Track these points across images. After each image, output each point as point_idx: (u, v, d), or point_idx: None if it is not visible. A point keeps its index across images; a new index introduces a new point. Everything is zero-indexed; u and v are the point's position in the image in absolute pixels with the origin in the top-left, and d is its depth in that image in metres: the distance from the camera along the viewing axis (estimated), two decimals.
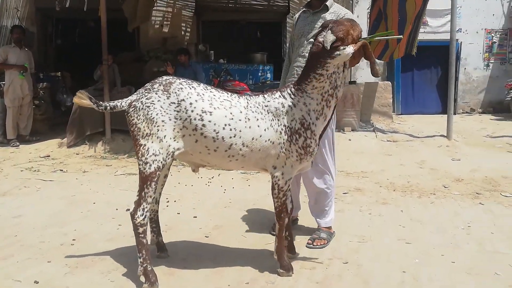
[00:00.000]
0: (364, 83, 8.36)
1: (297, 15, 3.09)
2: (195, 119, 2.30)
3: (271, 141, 2.37)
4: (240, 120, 2.34)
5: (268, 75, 9.12)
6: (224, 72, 8.31)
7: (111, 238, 3.05)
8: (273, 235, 2.95)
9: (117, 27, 7.75)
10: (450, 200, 3.96)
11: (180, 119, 2.31)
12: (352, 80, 8.89)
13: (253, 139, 2.35)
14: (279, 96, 2.41)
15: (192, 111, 2.30)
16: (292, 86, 2.42)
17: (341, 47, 2.25)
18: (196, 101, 2.31)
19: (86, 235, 3.11)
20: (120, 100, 2.44)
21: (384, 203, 3.88)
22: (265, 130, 2.35)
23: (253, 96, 2.48)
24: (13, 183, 4.59)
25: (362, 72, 9.71)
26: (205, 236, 3.11)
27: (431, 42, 9.36)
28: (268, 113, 2.37)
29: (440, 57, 9.25)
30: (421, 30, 9.52)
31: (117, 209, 3.65)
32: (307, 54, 2.81)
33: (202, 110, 2.30)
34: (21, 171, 5.13)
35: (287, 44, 3.10)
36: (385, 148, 6.23)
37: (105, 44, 6.38)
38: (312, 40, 2.81)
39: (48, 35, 9.91)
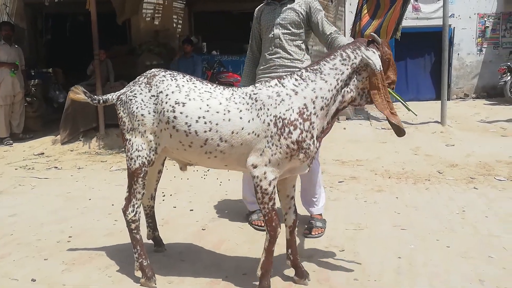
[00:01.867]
0: None
1: (258, 8, 3.05)
2: (167, 111, 2.15)
3: (255, 134, 2.09)
4: (217, 112, 2.11)
5: None
6: (217, 64, 8.27)
7: (107, 234, 3.05)
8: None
9: (107, 20, 7.66)
10: (444, 186, 3.98)
11: (156, 112, 2.19)
12: None
13: (232, 132, 2.10)
14: (275, 84, 2.15)
15: (166, 102, 2.16)
16: (303, 70, 2.20)
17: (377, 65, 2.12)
18: (172, 92, 2.17)
19: (83, 232, 3.10)
20: (112, 94, 2.42)
21: (379, 190, 3.90)
22: (248, 121, 2.10)
23: (244, 88, 2.27)
24: (8, 181, 4.57)
25: None
26: (202, 229, 3.12)
27: (423, 28, 9.35)
28: (256, 101, 2.11)
29: (433, 43, 9.23)
30: (414, 16, 9.58)
31: (113, 205, 3.64)
32: (286, 44, 2.85)
33: (175, 102, 2.15)
34: (16, 169, 5.11)
35: (252, 38, 3.08)
36: (380, 136, 6.25)
37: (96, 39, 6.31)
38: (292, 30, 2.85)
39: (38, 30, 9.79)
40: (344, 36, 10.13)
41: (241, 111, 2.12)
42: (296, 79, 2.16)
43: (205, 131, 2.12)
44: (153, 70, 2.35)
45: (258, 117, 2.09)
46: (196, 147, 2.16)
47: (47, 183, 4.49)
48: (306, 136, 2.09)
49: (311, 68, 2.20)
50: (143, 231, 2.52)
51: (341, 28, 9.66)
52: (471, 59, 10.15)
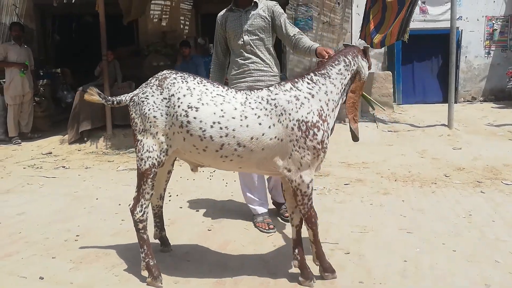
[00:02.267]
0: None
1: (222, 14, 3.10)
2: (180, 115, 2.17)
3: (278, 139, 2.15)
4: (233, 118, 2.14)
5: None
6: None
7: (114, 233, 3.08)
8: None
9: (115, 21, 7.72)
10: (451, 189, 3.96)
11: (169, 114, 2.21)
12: None
13: (252, 138, 2.13)
14: (291, 88, 2.20)
15: (178, 106, 2.18)
16: (312, 74, 2.29)
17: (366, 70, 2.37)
18: (184, 96, 2.19)
19: (90, 231, 3.13)
20: (125, 95, 2.44)
21: (385, 193, 3.90)
22: (269, 127, 2.14)
23: (255, 90, 2.28)
24: (16, 180, 4.62)
25: None
26: (208, 230, 3.13)
27: (431, 31, 9.30)
28: (276, 107, 2.16)
29: (440, 45, 9.18)
30: (421, 18, 9.54)
31: (120, 204, 3.67)
32: (257, 50, 2.97)
33: (188, 106, 2.17)
34: (24, 168, 5.16)
35: (217, 43, 3.15)
36: (386, 138, 6.23)
37: (104, 40, 6.37)
38: (260, 35, 2.97)
39: (47, 31, 9.89)
40: (351, 38, 10.12)
41: (259, 116, 2.16)
42: (308, 83, 2.25)
43: (221, 136, 2.15)
44: (164, 72, 2.36)
45: (280, 122, 2.15)
46: (211, 151, 2.19)
47: (55, 182, 4.54)
48: (327, 136, 2.23)
49: (319, 72, 2.30)
50: (150, 230, 2.54)
51: (348, 30, 9.66)
52: (479, 62, 10.08)
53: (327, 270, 2.36)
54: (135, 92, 2.40)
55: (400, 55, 9.45)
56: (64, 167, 5.16)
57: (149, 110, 2.25)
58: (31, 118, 6.81)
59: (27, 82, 6.61)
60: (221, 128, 2.14)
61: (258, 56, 3.01)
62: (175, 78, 2.27)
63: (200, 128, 2.16)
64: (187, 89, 2.22)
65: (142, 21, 9.22)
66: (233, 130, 2.14)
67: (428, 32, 9.27)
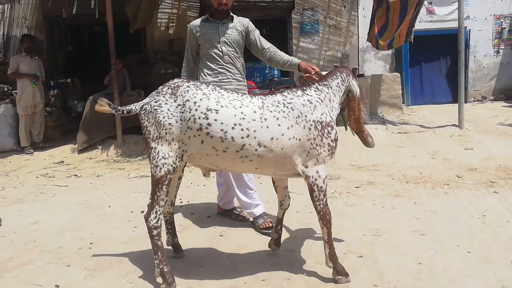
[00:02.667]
0: (372, 75, 8.30)
1: (196, 24, 3.17)
2: (199, 118, 2.23)
3: (296, 139, 2.30)
4: (254, 120, 2.26)
5: (275, 72, 9.11)
6: None
7: (127, 241, 3.10)
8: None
9: (122, 29, 7.81)
10: (464, 190, 3.93)
11: (184, 120, 2.26)
12: (360, 73, 8.82)
13: (272, 138, 2.26)
14: (302, 94, 2.41)
15: (196, 109, 2.24)
16: (316, 84, 2.52)
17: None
18: (200, 99, 2.26)
19: (103, 238, 3.16)
20: (135, 104, 2.46)
21: (397, 195, 3.87)
22: (288, 128, 2.29)
23: (270, 96, 2.44)
24: (29, 189, 4.68)
25: (370, 65, 9.65)
26: (220, 235, 3.14)
27: (438, 31, 9.24)
28: (293, 110, 2.33)
29: (448, 45, 9.12)
30: (429, 19, 9.49)
31: (132, 212, 3.70)
32: (234, 61, 3.13)
33: (207, 108, 2.24)
34: (36, 177, 5.23)
35: (188, 51, 3.25)
36: (396, 140, 6.19)
37: (113, 50, 6.45)
38: (236, 48, 3.12)
39: (56, 42, 10.05)
40: (358, 40, 10.10)
41: (278, 118, 2.31)
42: (315, 90, 2.47)
43: (242, 137, 2.25)
44: (175, 80, 2.42)
45: (297, 124, 2.32)
46: (231, 152, 2.27)
47: (67, 190, 4.59)
48: (337, 135, 2.43)
49: (322, 83, 2.53)
50: (162, 237, 2.55)
51: (354, 32, 9.66)
52: (488, 61, 9.98)
53: (340, 273, 2.37)
54: (145, 100, 2.42)
55: (408, 56, 9.41)
56: (76, 175, 5.22)
57: (163, 117, 2.28)
58: (42, 128, 6.91)
59: (38, 92, 6.72)
60: (242, 130, 2.24)
61: (235, 67, 3.15)
62: (188, 86, 2.34)
63: (222, 130, 2.23)
64: (203, 94, 2.30)
65: (150, 30, 9.32)
66: (254, 131, 2.25)
67: (435, 33, 9.22)
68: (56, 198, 4.33)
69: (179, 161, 2.33)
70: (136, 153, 6.11)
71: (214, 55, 3.11)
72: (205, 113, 2.24)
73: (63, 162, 6.00)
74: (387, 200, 3.74)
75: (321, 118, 2.36)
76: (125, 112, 2.47)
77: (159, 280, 2.37)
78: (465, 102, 7.38)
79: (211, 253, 2.83)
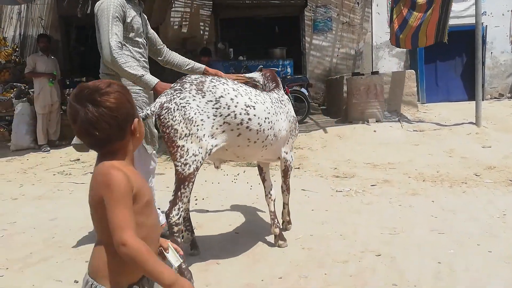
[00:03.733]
0: (386, 73, 8.22)
1: (122, 2, 2.67)
2: (240, 114, 2.40)
3: (287, 130, 2.76)
4: (273, 114, 2.61)
5: (288, 69, 9.08)
6: (244, 69, 8.33)
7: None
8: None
9: None
10: (482, 189, 3.86)
11: (221, 115, 2.35)
12: (374, 70, 8.74)
13: (280, 130, 2.65)
14: (278, 92, 2.84)
15: (235, 106, 2.38)
16: (275, 88, 2.91)
17: None
18: (236, 96, 2.40)
19: None
20: (148, 108, 2.33)
21: (413, 194, 3.82)
22: (284, 121, 2.72)
23: (269, 92, 2.78)
24: (47, 186, 4.75)
25: (384, 62, 9.55)
26: (235, 233, 3.14)
27: (454, 28, 9.05)
28: (285, 106, 2.77)
29: (464, 42, 8.98)
30: None
31: None
32: (147, 58, 2.93)
33: (245, 105, 2.43)
34: (54, 175, 5.30)
35: (119, 26, 2.64)
36: (411, 138, 6.12)
37: None
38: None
39: (71, 41, 10.17)
40: (372, 37, 9.99)
41: (281, 113, 2.72)
42: (277, 92, 2.87)
43: (268, 129, 2.57)
44: (195, 76, 2.42)
45: (286, 118, 2.77)
46: (259, 143, 2.55)
47: (84, 188, 4.64)
48: None
49: (276, 88, 2.91)
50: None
51: (368, 30, 9.57)
52: (505, 58, 9.80)
53: (283, 238, 2.86)
54: (162, 99, 2.31)
55: (422, 53, 9.28)
56: (92, 173, 5.26)
57: (194, 114, 2.29)
58: (58, 126, 7.01)
59: (55, 91, 6.82)
60: (269, 122, 2.56)
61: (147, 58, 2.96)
62: (211, 81, 2.40)
63: (259, 123, 2.49)
64: (233, 90, 2.43)
65: (163, 28, 9.38)
66: (274, 123, 2.61)
67: (451, 29, 9.00)
68: (73, 195, 4.38)
69: (207, 156, 2.36)
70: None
71: (138, 42, 2.78)
72: (245, 109, 2.42)
73: (79, 159, 6.07)
74: (403, 199, 3.69)
75: (293, 113, 2.89)
76: (142, 118, 2.36)
77: None
78: (482, 99, 7.25)
79: (227, 250, 2.83)
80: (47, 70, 6.74)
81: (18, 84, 7.54)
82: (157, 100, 2.36)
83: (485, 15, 9.21)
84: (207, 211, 3.67)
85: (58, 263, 2.75)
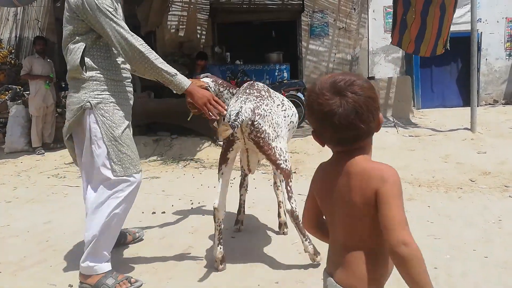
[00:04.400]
0: (382, 78, 8.26)
1: None
2: (293, 115, 2.77)
3: (287, 129, 2.93)
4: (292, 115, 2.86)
5: (285, 74, 9.10)
6: (241, 73, 8.34)
7: (138, 241, 3.09)
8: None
9: (132, 31, 7.86)
10: (478, 194, 3.87)
11: (287, 116, 2.71)
12: (370, 75, 8.79)
13: (289, 130, 2.79)
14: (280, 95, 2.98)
15: (290, 108, 2.76)
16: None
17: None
18: (283, 99, 2.78)
19: None
20: (243, 114, 2.29)
21: (409, 199, 3.83)
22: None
23: (279, 94, 2.92)
24: (41, 189, 4.71)
25: (380, 68, 9.60)
26: (231, 237, 3.12)
27: (449, 34, 9.18)
28: (285, 109, 2.87)
29: (459, 48, 9.03)
30: None
31: (143, 213, 3.70)
32: None
33: (289, 108, 2.77)
34: (48, 178, 5.26)
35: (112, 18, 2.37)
36: (407, 143, 6.14)
37: None
38: None
39: None
40: (368, 43, 10.04)
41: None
42: None
43: (290, 129, 2.81)
44: (258, 83, 2.73)
45: (284, 117, 2.82)
46: (288, 139, 2.76)
47: (78, 191, 4.58)
48: None
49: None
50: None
51: (364, 35, 9.62)
52: (500, 64, 9.89)
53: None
54: (250, 105, 2.40)
55: (418, 59, 9.34)
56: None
57: (278, 117, 2.59)
58: (53, 129, 6.97)
59: (50, 93, 6.78)
60: (291, 122, 2.82)
61: None
62: (263, 86, 2.73)
63: (295, 122, 2.85)
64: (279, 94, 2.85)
65: (160, 32, 9.37)
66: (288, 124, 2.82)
67: None
68: (68, 199, 4.34)
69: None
70: (146, 154, 6.12)
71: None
72: (293, 111, 2.79)
73: (73, 162, 6.02)
74: None
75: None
76: (238, 126, 2.26)
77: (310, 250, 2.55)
78: (477, 105, 7.30)
79: (224, 255, 2.80)
80: (43, 73, 6.71)
81: (13, 86, 7.50)
82: (244, 107, 2.34)
83: (480, 22, 9.30)
84: (203, 215, 3.64)
85: (52, 266, 2.72)
